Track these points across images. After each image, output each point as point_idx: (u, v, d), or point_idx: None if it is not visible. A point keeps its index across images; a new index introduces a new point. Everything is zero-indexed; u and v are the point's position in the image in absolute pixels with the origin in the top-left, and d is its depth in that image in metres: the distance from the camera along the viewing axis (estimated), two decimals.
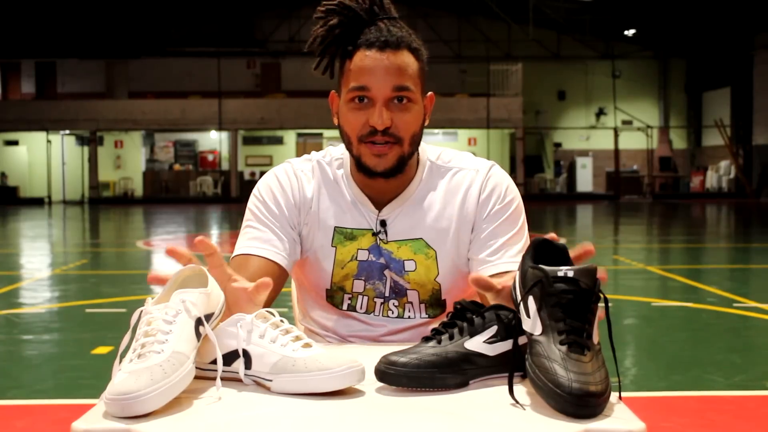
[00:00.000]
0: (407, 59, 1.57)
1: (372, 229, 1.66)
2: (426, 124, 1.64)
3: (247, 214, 1.69)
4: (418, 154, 1.69)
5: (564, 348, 1.13)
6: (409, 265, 1.67)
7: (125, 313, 5.98)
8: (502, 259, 1.62)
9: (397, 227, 1.66)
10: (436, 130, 26.54)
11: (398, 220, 1.66)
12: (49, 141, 26.60)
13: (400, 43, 1.56)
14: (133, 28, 26.18)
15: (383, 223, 1.66)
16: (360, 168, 1.62)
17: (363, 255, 1.67)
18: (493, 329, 1.26)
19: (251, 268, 1.58)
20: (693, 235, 13.58)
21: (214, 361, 1.26)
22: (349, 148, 1.62)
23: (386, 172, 1.59)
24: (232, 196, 25.31)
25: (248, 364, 1.23)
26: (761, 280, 7.98)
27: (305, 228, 1.69)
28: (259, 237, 1.64)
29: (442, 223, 1.66)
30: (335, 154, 1.72)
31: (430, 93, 1.65)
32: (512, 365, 1.20)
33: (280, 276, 1.63)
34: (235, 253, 1.65)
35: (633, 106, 28.42)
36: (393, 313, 1.71)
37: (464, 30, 27.23)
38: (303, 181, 1.70)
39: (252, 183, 19.02)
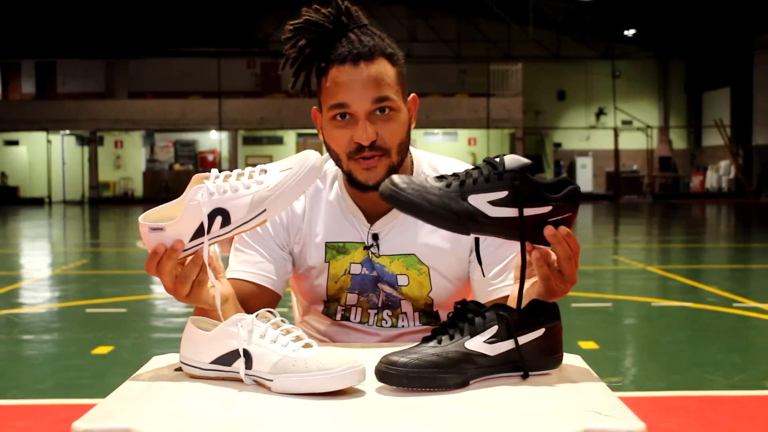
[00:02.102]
0: (383, 67, 1.53)
1: (364, 243, 1.65)
2: (412, 127, 1.62)
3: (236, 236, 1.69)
4: (413, 165, 1.67)
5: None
6: (401, 280, 1.66)
7: (125, 313, 5.98)
8: (505, 282, 1.61)
9: (390, 242, 1.64)
10: (436, 130, 26.53)
11: (391, 235, 1.64)
12: (49, 141, 26.59)
13: (373, 52, 1.53)
14: (133, 28, 26.16)
15: (375, 237, 1.65)
16: (352, 183, 1.61)
17: (356, 269, 1.66)
18: (494, 329, 1.26)
19: (241, 293, 1.57)
20: (693, 235, 13.57)
21: (214, 361, 1.27)
22: (338, 164, 1.61)
23: (378, 184, 1.56)
24: None
25: (249, 364, 1.23)
26: (761, 280, 7.98)
27: (296, 246, 1.68)
28: (246, 260, 1.64)
29: (435, 240, 1.64)
30: (328, 166, 1.70)
31: (412, 95, 1.62)
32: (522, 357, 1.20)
33: (272, 298, 1.64)
34: (227, 276, 1.64)
35: (633, 106, 28.41)
36: (387, 323, 1.71)
37: (464, 30, 27.20)
38: None
39: None
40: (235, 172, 1.30)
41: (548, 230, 1.28)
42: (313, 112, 1.64)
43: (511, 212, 1.26)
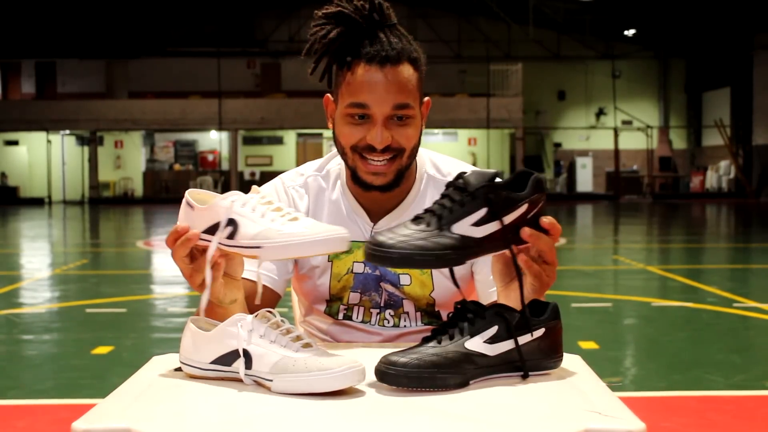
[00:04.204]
0: (407, 73, 1.53)
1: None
2: (423, 129, 1.62)
3: None
4: (417, 164, 1.67)
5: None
6: (404, 279, 1.67)
7: (125, 313, 5.98)
8: None
9: None
10: (436, 130, 26.53)
11: None
12: (49, 141, 26.59)
13: (400, 56, 1.52)
14: (133, 28, 26.17)
15: None
16: (356, 181, 1.60)
17: (359, 267, 1.67)
18: (494, 329, 1.26)
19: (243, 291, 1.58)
20: (693, 235, 13.57)
21: (214, 361, 1.27)
22: (343, 157, 1.61)
23: (384, 186, 1.58)
24: None
25: (248, 364, 1.23)
26: (761, 280, 7.98)
27: None
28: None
29: None
30: (331, 165, 1.71)
31: (426, 99, 1.62)
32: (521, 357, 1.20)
33: (272, 297, 1.65)
34: None
35: (633, 106, 28.41)
36: (389, 322, 1.71)
37: (464, 30, 27.22)
38: (295, 199, 1.69)
39: (252, 183, 18.81)
40: (278, 204, 1.31)
41: (525, 232, 1.28)
42: (326, 99, 1.63)
43: (494, 226, 1.25)
